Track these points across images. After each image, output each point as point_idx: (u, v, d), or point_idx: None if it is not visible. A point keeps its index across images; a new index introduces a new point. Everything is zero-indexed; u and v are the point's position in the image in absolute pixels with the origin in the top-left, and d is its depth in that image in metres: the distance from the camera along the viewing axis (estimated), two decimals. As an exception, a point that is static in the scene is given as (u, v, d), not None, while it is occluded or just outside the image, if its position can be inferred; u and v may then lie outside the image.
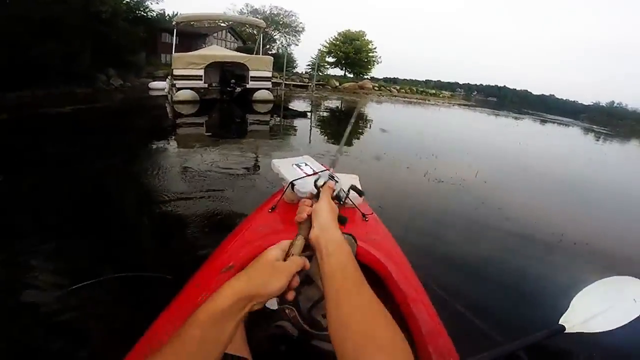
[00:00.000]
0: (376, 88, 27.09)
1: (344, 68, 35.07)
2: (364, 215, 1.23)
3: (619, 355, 1.50)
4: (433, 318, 0.84)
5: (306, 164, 1.39)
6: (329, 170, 0.79)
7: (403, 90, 29.86)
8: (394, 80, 45.90)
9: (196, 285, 0.86)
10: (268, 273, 0.46)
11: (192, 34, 24.96)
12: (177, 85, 9.34)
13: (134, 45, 16.89)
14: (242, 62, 9.92)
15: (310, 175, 1.27)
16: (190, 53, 9.82)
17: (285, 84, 11.63)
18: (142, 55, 17.97)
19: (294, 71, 30.76)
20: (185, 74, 9.29)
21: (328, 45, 34.33)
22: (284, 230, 1.05)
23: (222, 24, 36.36)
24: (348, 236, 0.81)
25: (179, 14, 11.75)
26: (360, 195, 1.03)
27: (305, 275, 0.63)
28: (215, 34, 32.15)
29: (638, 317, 1.16)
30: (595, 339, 1.15)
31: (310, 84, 14.77)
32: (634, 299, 1.21)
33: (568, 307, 1.09)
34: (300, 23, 34.25)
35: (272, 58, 10.69)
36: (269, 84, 10.61)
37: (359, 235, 0.88)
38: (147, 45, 17.64)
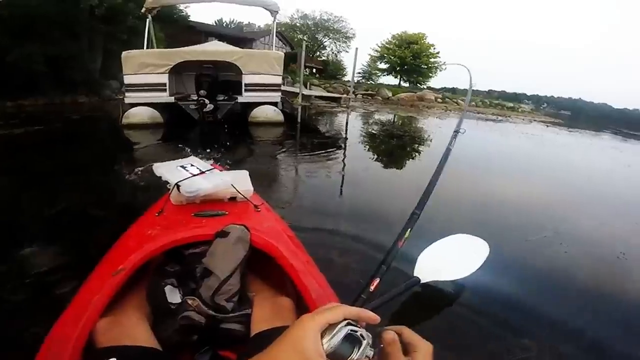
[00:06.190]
0: (439, 100, 21.91)
1: (398, 76, 30.42)
2: (255, 206, 1.22)
3: (469, 301, 1.60)
4: (322, 286, 0.91)
5: (192, 165, 1.32)
6: (217, 168, 1.26)
7: (474, 103, 24.13)
8: (453, 90, 39.70)
9: (90, 289, 0.84)
10: None
11: (238, 38, 22.67)
12: (127, 100, 5.89)
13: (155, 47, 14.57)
14: (228, 60, 6.13)
15: (197, 175, 1.23)
16: (146, 50, 6.36)
17: (304, 94, 7.42)
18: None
19: (344, 79, 28.13)
20: (138, 82, 5.81)
21: (380, 50, 29.98)
22: (174, 231, 0.97)
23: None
24: (241, 226, 0.89)
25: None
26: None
27: (204, 268, 0.85)
28: (262, 39, 30.12)
29: (480, 267, 1.57)
30: (449, 289, 1.59)
31: (343, 95, 10.22)
32: (473, 252, 1.63)
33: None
34: (351, 29, 33.65)
35: (282, 54, 6.69)
36: (276, 96, 6.70)
37: (252, 225, 0.94)
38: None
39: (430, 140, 7.65)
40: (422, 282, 1.42)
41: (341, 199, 3.21)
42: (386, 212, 2.88)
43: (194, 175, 1.21)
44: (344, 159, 4.89)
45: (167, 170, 1.25)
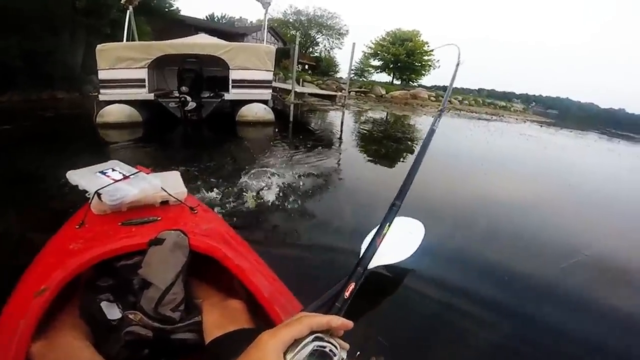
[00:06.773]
0: (433, 98, 21.67)
1: (392, 73, 30.12)
2: (191, 208, 1.16)
3: (416, 278, 1.75)
4: (272, 282, 0.89)
5: (113, 169, 1.18)
6: (144, 171, 1.17)
7: (466, 102, 23.96)
8: (444, 89, 39.60)
9: (12, 312, 0.76)
10: None
11: (230, 33, 22.04)
12: (102, 97, 5.39)
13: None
14: (214, 54, 5.67)
15: (120, 180, 1.10)
16: (124, 43, 5.86)
17: (297, 92, 6.98)
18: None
19: (336, 76, 27.87)
20: (114, 78, 5.32)
21: (374, 47, 29.60)
22: (100, 243, 0.89)
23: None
24: (177, 231, 0.84)
25: None
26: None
27: (141, 280, 0.79)
28: (254, 34, 29.61)
29: (419, 246, 1.69)
30: (397, 271, 1.71)
31: (338, 93, 9.69)
32: (409, 232, 1.76)
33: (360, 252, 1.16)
34: (344, 25, 33.04)
35: (274, 48, 6.26)
36: (267, 93, 6.25)
37: (189, 228, 0.91)
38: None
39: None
40: (367, 269, 1.37)
41: (339, 207, 2.83)
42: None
43: (117, 180, 1.09)
44: (338, 163, 4.50)
45: (84, 177, 1.11)
